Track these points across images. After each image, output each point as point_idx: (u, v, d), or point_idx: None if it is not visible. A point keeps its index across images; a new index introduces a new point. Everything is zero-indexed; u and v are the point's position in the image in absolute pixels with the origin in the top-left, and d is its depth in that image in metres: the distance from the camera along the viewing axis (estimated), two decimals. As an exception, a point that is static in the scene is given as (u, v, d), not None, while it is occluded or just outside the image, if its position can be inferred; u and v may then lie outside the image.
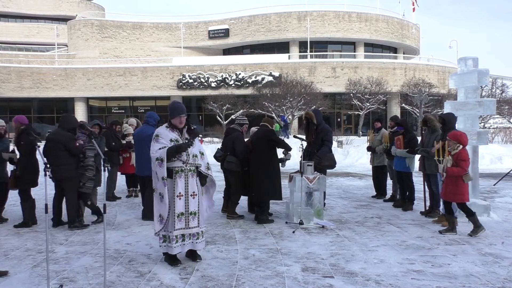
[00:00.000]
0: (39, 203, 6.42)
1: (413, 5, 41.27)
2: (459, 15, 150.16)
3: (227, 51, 43.24)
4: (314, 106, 26.33)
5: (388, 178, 8.60)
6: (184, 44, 42.28)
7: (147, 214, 6.75)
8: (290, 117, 29.66)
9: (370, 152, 8.76)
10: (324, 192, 6.97)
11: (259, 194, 6.46)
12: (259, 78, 34.88)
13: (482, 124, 27.15)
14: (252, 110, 30.75)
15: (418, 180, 8.60)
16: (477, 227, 5.70)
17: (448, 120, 6.38)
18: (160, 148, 4.44)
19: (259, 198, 6.52)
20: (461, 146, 5.67)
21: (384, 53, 41.12)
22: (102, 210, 3.95)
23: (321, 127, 7.07)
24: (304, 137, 7.13)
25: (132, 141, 8.43)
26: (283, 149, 6.68)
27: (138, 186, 8.30)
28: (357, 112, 33.43)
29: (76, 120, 6.39)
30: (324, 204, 7.15)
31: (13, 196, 6.98)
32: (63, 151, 5.99)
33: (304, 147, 6.88)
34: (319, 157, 6.86)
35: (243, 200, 7.83)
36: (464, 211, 5.77)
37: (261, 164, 6.44)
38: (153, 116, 7.05)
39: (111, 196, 8.43)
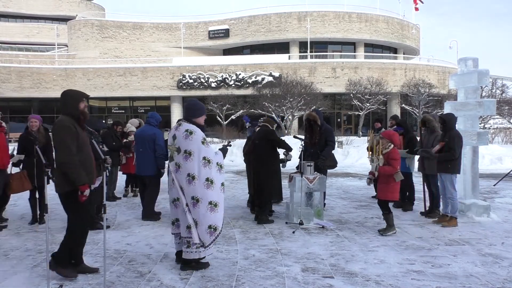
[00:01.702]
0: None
1: (416, 3, 41.02)
2: (460, 16, 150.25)
3: (227, 51, 43.23)
4: (314, 107, 26.32)
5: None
6: (184, 44, 42.28)
7: (147, 215, 6.76)
8: (290, 117, 29.65)
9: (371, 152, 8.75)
10: (324, 193, 6.96)
11: (259, 194, 6.46)
12: (259, 78, 34.87)
13: (482, 124, 27.15)
14: (252, 110, 30.76)
15: (418, 180, 8.59)
16: (390, 226, 5.80)
17: (448, 121, 6.38)
18: (216, 153, 4.29)
19: (260, 198, 6.52)
20: (392, 146, 5.72)
21: (384, 53, 41.13)
22: (102, 210, 3.95)
23: (324, 128, 7.08)
24: (303, 137, 7.13)
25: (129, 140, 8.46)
26: (284, 150, 6.70)
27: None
28: (357, 113, 33.43)
29: (97, 122, 6.30)
30: (324, 204, 7.15)
31: (13, 196, 6.97)
32: None
33: (303, 147, 6.88)
34: (324, 157, 6.86)
35: (243, 201, 7.84)
36: (382, 207, 5.82)
37: (261, 164, 6.44)
38: (155, 117, 7.04)
39: (111, 196, 8.43)
